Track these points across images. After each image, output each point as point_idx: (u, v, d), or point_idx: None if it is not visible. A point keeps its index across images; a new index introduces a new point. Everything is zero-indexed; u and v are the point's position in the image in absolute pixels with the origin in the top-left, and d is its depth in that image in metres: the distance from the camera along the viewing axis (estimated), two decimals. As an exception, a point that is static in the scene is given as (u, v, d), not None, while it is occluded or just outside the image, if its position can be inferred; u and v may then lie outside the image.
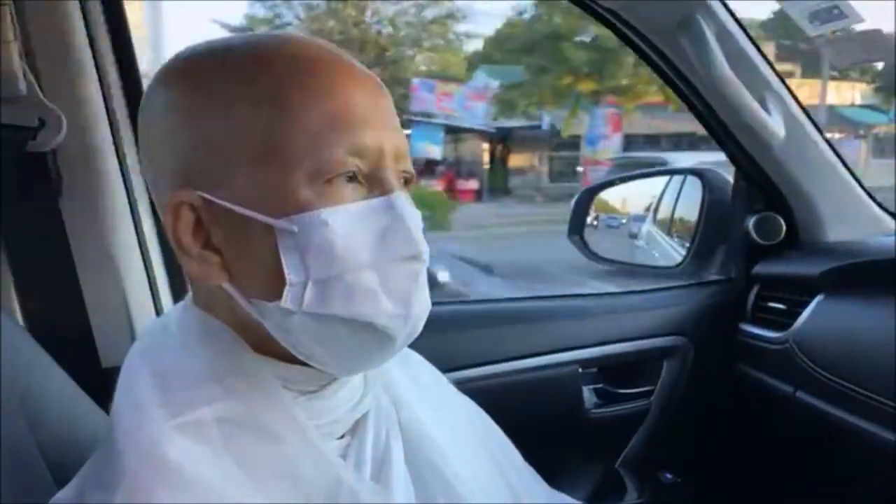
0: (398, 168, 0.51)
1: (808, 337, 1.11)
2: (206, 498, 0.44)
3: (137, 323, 1.00)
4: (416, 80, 11.96)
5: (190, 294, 0.55)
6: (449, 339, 1.17)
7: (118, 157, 1.00)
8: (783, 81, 1.15)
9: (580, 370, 1.27)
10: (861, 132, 13.70)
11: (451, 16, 13.98)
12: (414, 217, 0.50)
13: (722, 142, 1.27)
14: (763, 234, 1.29)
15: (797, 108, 1.17)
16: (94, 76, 0.97)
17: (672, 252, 1.57)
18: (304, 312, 0.47)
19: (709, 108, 1.20)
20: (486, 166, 15.03)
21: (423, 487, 0.56)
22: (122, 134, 1.01)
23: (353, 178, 0.49)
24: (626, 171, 8.03)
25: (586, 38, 12.21)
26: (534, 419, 1.01)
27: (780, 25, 12.09)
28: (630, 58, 11.99)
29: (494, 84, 12.81)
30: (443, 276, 5.11)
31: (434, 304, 0.53)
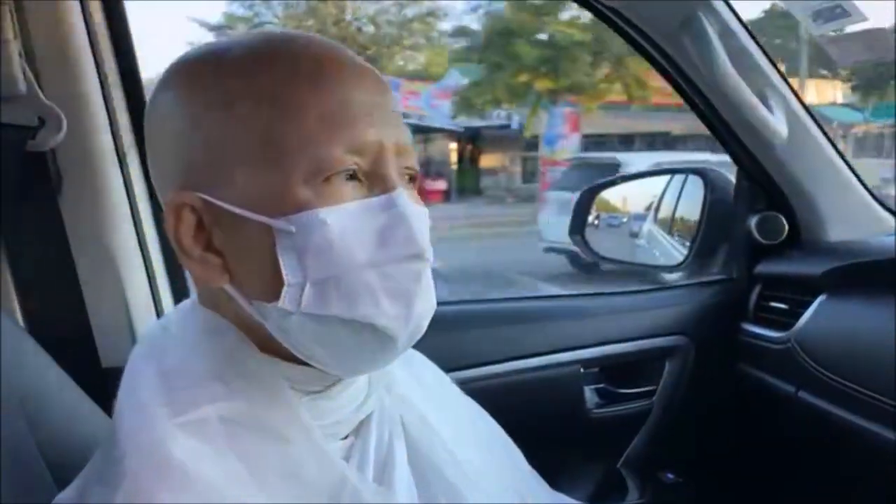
0: (401, 165, 0.51)
1: (810, 337, 1.11)
2: (209, 498, 0.43)
3: (137, 323, 1.00)
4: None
5: (195, 293, 0.55)
6: (450, 338, 1.17)
7: (118, 156, 1.00)
8: (786, 80, 1.15)
9: (581, 370, 1.26)
10: (841, 133, 13.70)
11: (431, 14, 13.94)
12: (416, 215, 0.49)
13: (724, 141, 1.26)
14: (765, 234, 1.28)
15: (799, 107, 1.16)
16: (95, 76, 0.97)
17: (673, 251, 1.57)
18: (302, 313, 0.47)
19: (711, 107, 1.20)
20: (454, 166, 15.00)
21: (426, 488, 0.55)
22: (122, 133, 1.01)
23: (352, 176, 0.48)
24: (582, 172, 7.87)
25: (542, 36, 12.09)
26: (535, 419, 1.01)
27: (769, 25, 12.10)
28: (586, 55, 11.80)
29: (465, 82, 12.77)
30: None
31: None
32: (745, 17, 1.08)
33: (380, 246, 0.48)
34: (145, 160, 0.56)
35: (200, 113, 0.49)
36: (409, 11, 14.24)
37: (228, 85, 0.48)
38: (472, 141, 15.24)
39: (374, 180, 0.49)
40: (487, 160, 15.68)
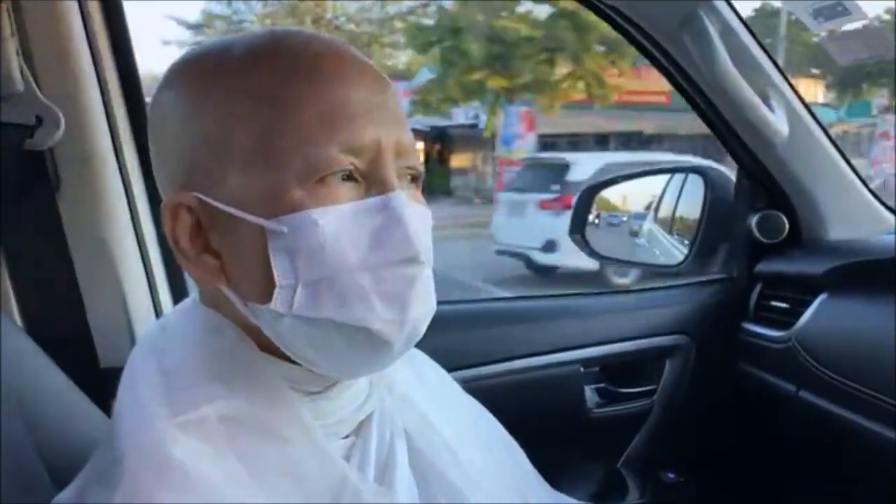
0: (401, 164, 0.50)
1: (810, 336, 1.11)
2: (208, 498, 0.43)
3: (136, 323, 1.00)
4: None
5: (196, 292, 0.55)
6: (450, 338, 1.17)
7: (117, 156, 0.99)
8: (786, 79, 1.15)
9: (582, 369, 1.26)
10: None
11: (412, 12, 13.70)
12: (414, 217, 0.48)
13: (725, 139, 1.26)
14: (766, 233, 1.28)
15: (800, 105, 1.16)
16: (93, 75, 0.96)
17: (673, 250, 1.56)
18: (294, 315, 0.46)
19: (711, 105, 1.20)
20: (422, 167, 14.88)
21: (427, 488, 0.55)
22: (121, 133, 1.00)
23: (349, 176, 0.47)
24: (536, 173, 7.72)
25: (486, 31, 11.78)
26: (536, 419, 1.01)
27: (759, 24, 12.09)
28: (538, 52, 11.58)
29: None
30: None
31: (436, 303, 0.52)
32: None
33: (374, 248, 0.47)
34: (144, 159, 0.56)
35: (201, 112, 0.48)
36: (392, 9, 14.05)
37: (228, 84, 0.48)
38: (440, 141, 15.09)
39: (371, 181, 0.48)
40: (458, 160, 15.45)
